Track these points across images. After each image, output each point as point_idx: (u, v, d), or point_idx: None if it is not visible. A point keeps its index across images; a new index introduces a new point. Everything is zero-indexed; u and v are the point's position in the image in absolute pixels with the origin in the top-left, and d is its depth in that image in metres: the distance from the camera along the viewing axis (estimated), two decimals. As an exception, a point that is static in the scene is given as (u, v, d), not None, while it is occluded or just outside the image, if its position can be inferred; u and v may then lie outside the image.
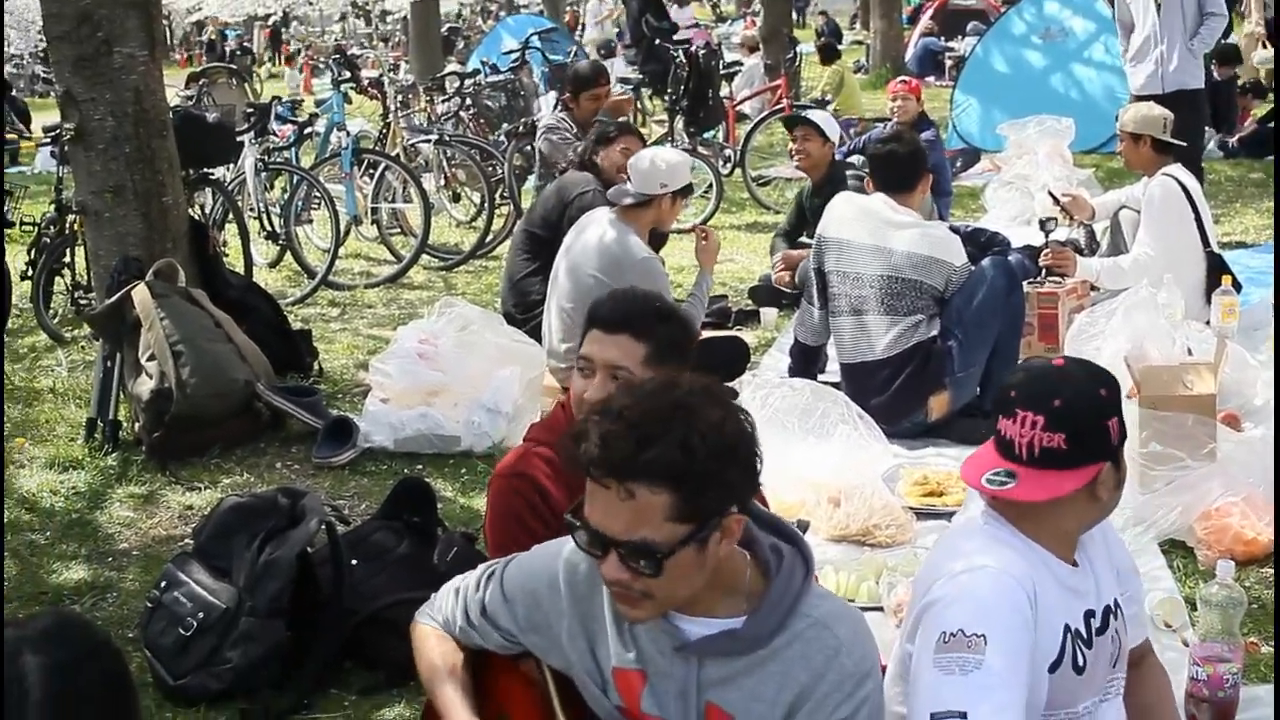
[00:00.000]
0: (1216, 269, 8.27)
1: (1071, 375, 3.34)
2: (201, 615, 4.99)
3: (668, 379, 2.98)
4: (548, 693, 3.28)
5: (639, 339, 3.88)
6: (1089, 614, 3.36)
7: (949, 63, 26.12)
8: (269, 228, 11.63)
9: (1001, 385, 3.44)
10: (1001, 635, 3.17)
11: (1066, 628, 3.30)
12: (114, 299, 7.49)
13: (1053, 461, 3.27)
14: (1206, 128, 13.90)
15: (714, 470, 2.83)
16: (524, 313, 8.36)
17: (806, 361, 7.84)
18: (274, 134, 12.67)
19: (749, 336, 9.02)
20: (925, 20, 29.30)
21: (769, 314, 9.71)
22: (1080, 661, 3.32)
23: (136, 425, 7.40)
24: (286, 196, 11.83)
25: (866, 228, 7.32)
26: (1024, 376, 3.40)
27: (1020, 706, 3.15)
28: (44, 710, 2.26)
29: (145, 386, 7.24)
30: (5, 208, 10.81)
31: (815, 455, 6.43)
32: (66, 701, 2.27)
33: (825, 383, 7.23)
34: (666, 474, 2.79)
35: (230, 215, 10.78)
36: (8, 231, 10.97)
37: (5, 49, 20.74)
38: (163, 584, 5.20)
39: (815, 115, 10.29)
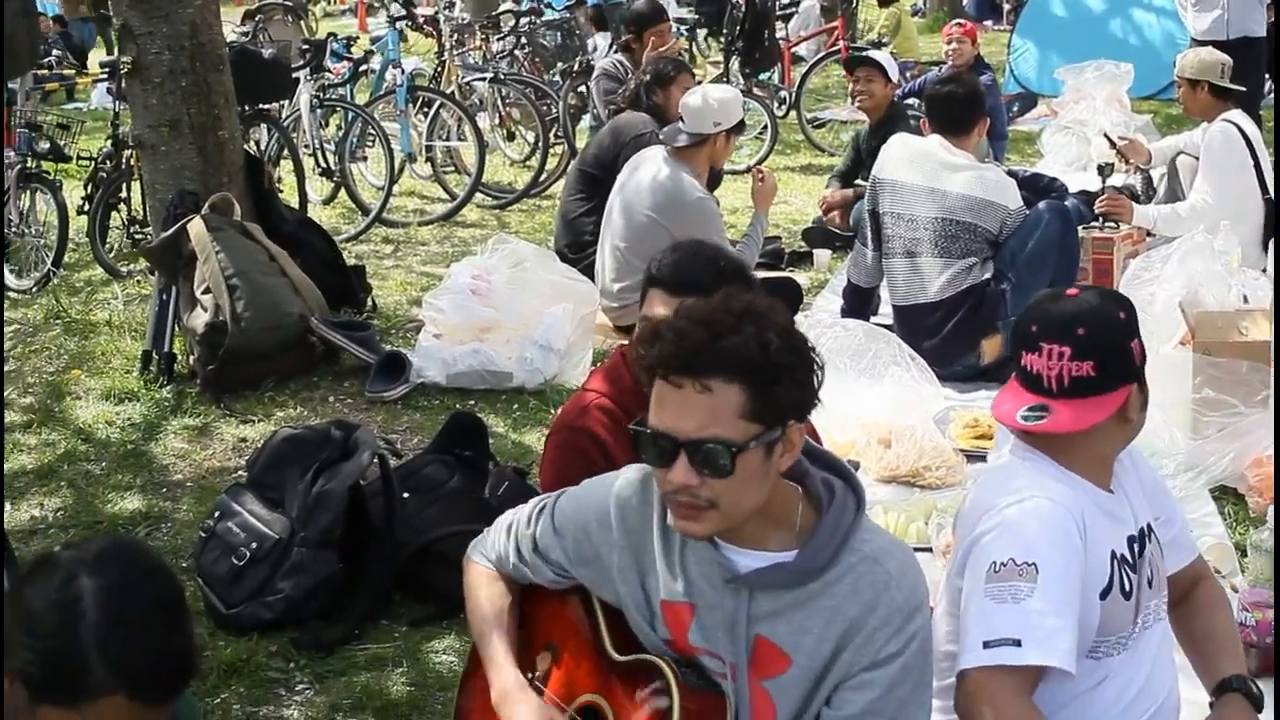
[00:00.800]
0: (1275, 216, 8.19)
1: (1090, 303, 3.33)
2: (254, 545, 5.04)
3: (732, 291, 3.00)
4: (597, 625, 3.29)
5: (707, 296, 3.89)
6: (1130, 539, 3.36)
7: (1007, 6, 25.85)
8: (324, 164, 11.64)
9: (1019, 320, 3.43)
10: (1053, 563, 3.17)
11: (1113, 554, 3.30)
12: (169, 232, 7.53)
13: (1084, 390, 3.26)
14: (1266, 76, 13.73)
15: (786, 368, 2.87)
16: (577, 252, 8.36)
17: (859, 303, 7.82)
18: (329, 71, 12.65)
19: (802, 278, 9.00)
20: (984, -37, 29.01)
21: (822, 256, 9.68)
22: (1128, 587, 3.31)
23: (191, 358, 7.44)
24: (341, 133, 11.83)
25: (922, 170, 7.29)
26: (1043, 310, 3.38)
27: (1073, 633, 3.16)
28: (100, 632, 2.28)
29: (200, 320, 7.29)
30: (63, 143, 10.80)
31: (867, 396, 6.43)
32: (122, 623, 2.30)
33: (878, 324, 7.21)
34: (742, 366, 2.82)
35: (285, 151, 10.80)
36: (64, 166, 11.01)
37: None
38: (216, 514, 5.25)
39: (877, 56, 10.21)
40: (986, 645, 3.14)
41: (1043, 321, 3.33)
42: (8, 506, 5.83)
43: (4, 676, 2.35)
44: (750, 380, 2.84)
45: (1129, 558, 3.33)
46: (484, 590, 3.47)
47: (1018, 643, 3.12)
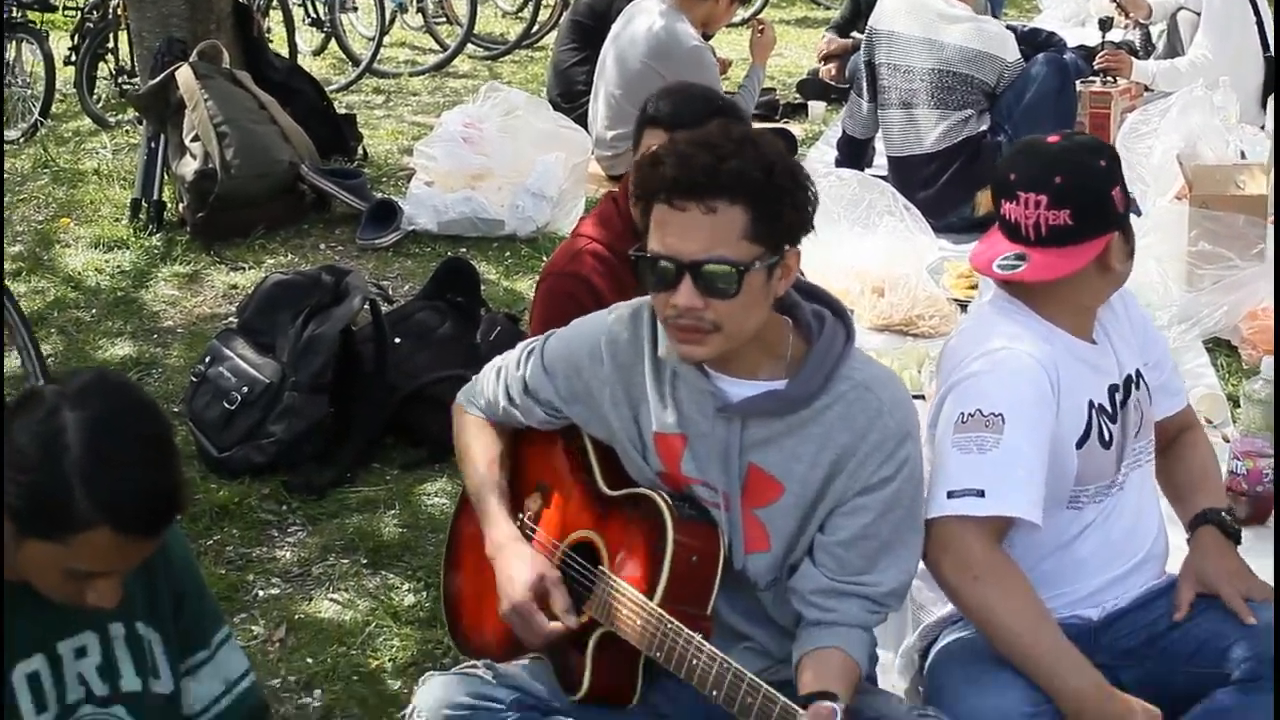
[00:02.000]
0: (1275, 74, 8.13)
1: (1069, 150, 3.29)
2: (245, 390, 5.04)
3: (727, 121, 3.02)
4: (588, 462, 3.29)
5: None
6: (1113, 388, 3.34)
7: None
8: (313, 14, 11.53)
9: (997, 167, 3.40)
10: (1020, 414, 3.16)
11: (1091, 404, 3.29)
12: (158, 80, 7.46)
13: (1061, 238, 3.22)
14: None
15: (788, 190, 2.89)
16: (569, 102, 8.29)
17: (854, 154, 7.78)
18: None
19: (796, 129, 8.94)
20: None
21: (817, 108, 9.63)
22: (1106, 436, 3.31)
23: (181, 206, 7.40)
24: (331, -17, 11.69)
25: (919, 21, 7.23)
26: (1022, 157, 3.34)
27: (1038, 485, 3.16)
28: (83, 465, 2.27)
29: (189, 167, 7.23)
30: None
31: (861, 246, 6.41)
32: (105, 456, 2.29)
33: (872, 176, 7.17)
34: (746, 188, 2.84)
35: (274, 1, 10.66)
36: (50, 17, 10.88)
37: None
38: (207, 359, 5.24)
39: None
40: (950, 495, 3.15)
41: (1021, 169, 3.29)
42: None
43: None
44: (754, 202, 2.85)
45: (1108, 407, 3.32)
46: (474, 440, 3.47)
47: (981, 493, 3.13)
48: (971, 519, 3.13)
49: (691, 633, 2.96)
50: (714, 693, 2.92)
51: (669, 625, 2.98)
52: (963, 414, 3.19)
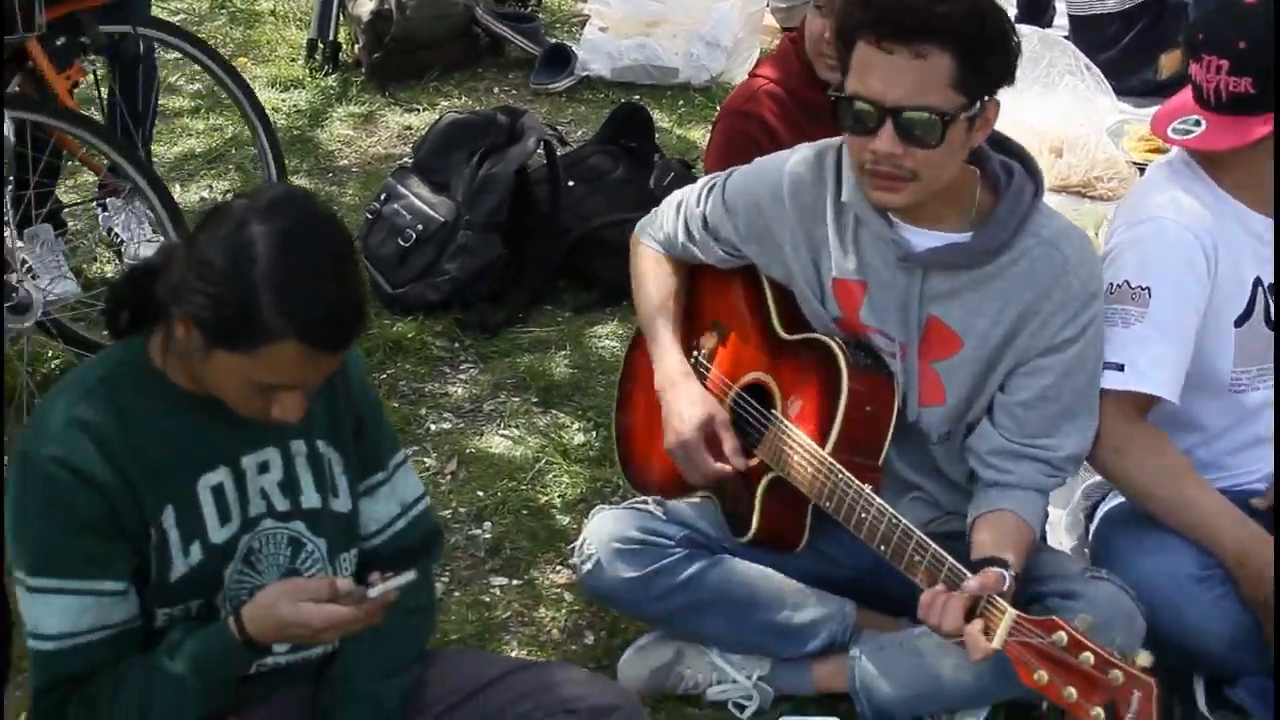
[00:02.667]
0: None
1: (1260, 16, 3.13)
2: (420, 227, 5.07)
3: None
4: (765, 304, 3.28)
5: None
6: None
7: None
8: None
9: (1189, 26, 3.28)
10: (1168, 289, 3.10)
11: (1257, 281, 3.19)
12: (336, -81, 7.45)
13: (1240, 107, 3.10)
14: None
15: (997, 40, 2.83)
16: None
17: (1034, 9, 7.57)
18: None
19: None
20: None
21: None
22: (1273, 315, 3.21)
23: (356, 46, 7.40)
24: None
25: None
26: (1213, 15, 3.22)
27: (1180, 362, 3.10)
28: (271, 275, 2.29)
29: (365, 8, 7.22)
30: None
31: (1040, 105, 6.27)
32: (292, 267, 2.31)
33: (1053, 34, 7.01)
34: (958, 35, 2.78)
35: None
36: None
37: None
38: (383, 196, 5.28)
39: None
40: None
41: (1209, 29, 3.18)
42: (177, 189, 5.90)
43: (177, 320, 2.38)
44: (963, 50, 2.79)
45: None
46: (651, 273, 3.46)
47: (1120, 368, 3.09)
48: (1110, 393, 3.09)
49: (861, 485, 2.96)
50: (882, 547, 2.93)
51: (839, 476, 2.99)
52: (1111, 284, 3.13)
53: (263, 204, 2.36)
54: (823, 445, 3.04)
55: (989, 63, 2.83)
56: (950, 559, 2.80)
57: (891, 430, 3.09)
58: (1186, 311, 3.12)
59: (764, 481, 3.18)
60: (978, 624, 2.68)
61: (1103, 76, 6.46)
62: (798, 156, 3.19)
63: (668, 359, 3.36)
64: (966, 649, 2.71)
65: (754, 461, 3.21)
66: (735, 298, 3.38)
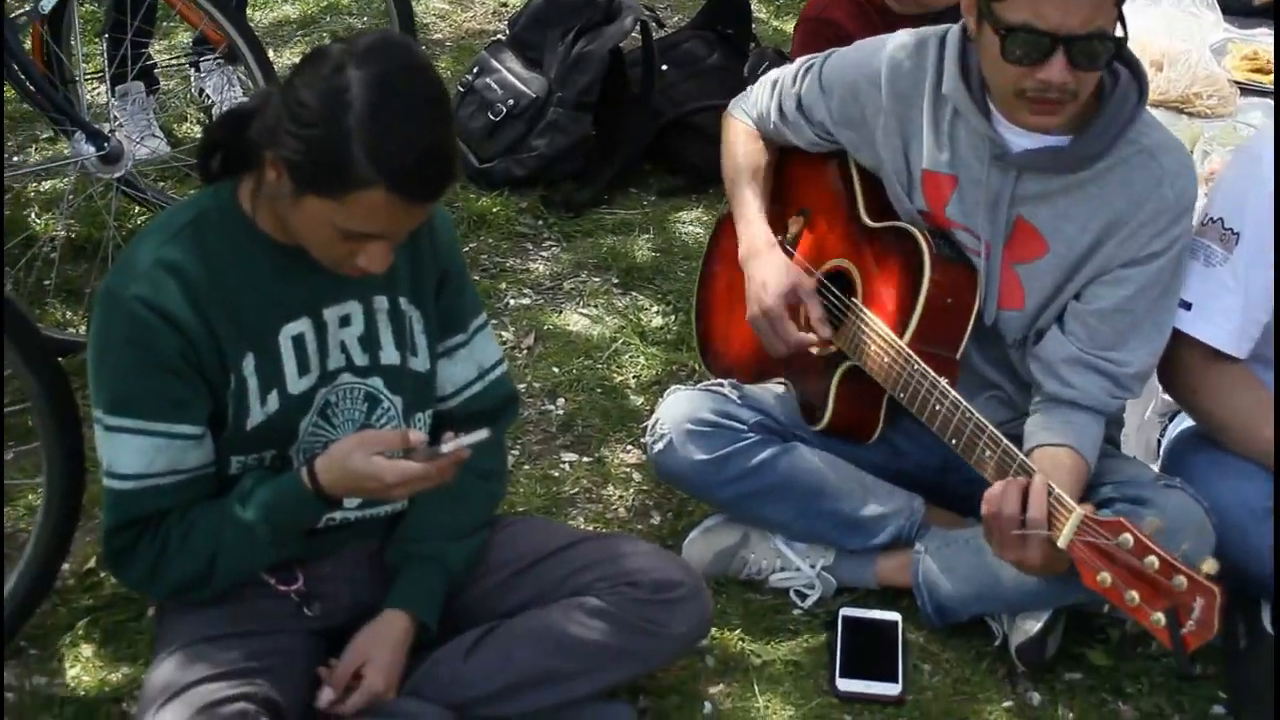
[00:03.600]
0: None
1: None
2: (511, 102, 5.06)
3: None
4: (852, 191, 3.26)
5: None
6: None
7: None
8: None
9: None
10: (1259, 242, 3.02)
11: None
12: None
13: None
14: None
15: None
16: None
17: (1144, -79, 7.45)
18: None
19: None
20: None
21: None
22: None
23: (457, -80, 7.38)
24: None
25: None
26: None
27: (1251, 317, 3.04)
28: (364, 121, 2.29)
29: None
30: None
31: (1143, 16, 6.16)
32: (386, 113, 2.30)
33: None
34: None
35: None
36: None
37: None
38: (475, 70, 5.27)
39: None
40: None
41: None
42: (271, 53, 5.89)
43: (269, 164, 2.39)
44: None
45: None
46: (742, 146, 3.44)
47: (1189, 306, 3.04)
48: (1183, 333, 3.05)
49: (937, 377, 2.95)
50: (954, 440, 2.92)
51: (915, 366, 2.97)
52: (1208, 216, 3.08)
53: (360, 49, 2.35)
54: (901, 335, 3.02)
55: None
56: (1021, 455, 2.79)
57: (971, 324, 3.06)
58: (1269, 268, 3.04)
59: (840, 370, 3.17)
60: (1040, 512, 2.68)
61: (1210, -9, 6.33)
62: (897, 43, 3.14)
63: (754, 229, 3.33)
64: (1026, 546, 2.71)
65: (833, 348, 3.20)
66: (823, 184, 3.35)
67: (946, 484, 3.30)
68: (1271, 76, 6.04)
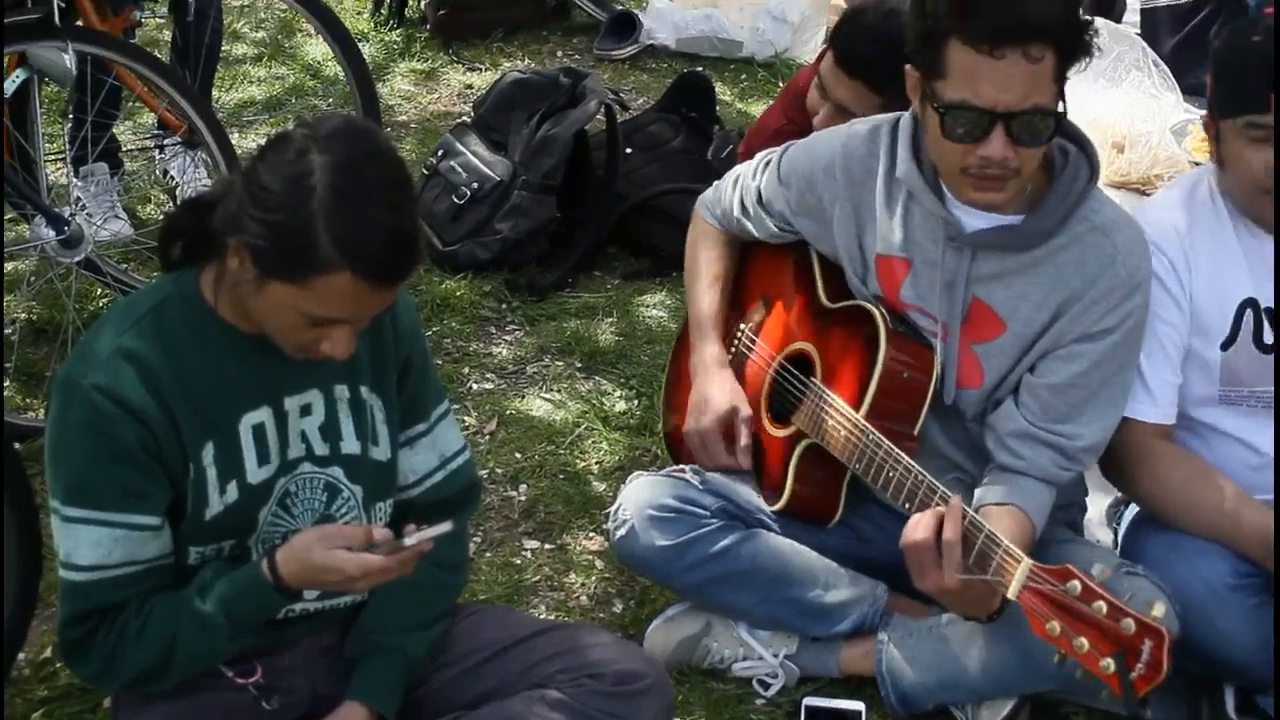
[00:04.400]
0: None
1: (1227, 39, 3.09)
2: (475, 185, 5.07)
3: None
4: (812, 275, 3.29)
5: None
6: None
7: None
8: None
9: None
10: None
11: (1248, 302, 3.10)
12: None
13: None
14: None
15: (1085, 25, 2.78)
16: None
17: (1105, 2, 7.51)
18: None
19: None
20: None
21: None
22: (1266, 340, 3.11)
23: (422, 3, 7.42)
24: None
25: None
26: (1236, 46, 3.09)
27: (1158, 383, 3.09)
28: (328, 204, 2.29)
29: (435, -36, 7.26)
30: None
31: (1105, 98, 6.22)
32: (350, 196, 2.30)
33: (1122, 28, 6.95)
34: (1059, 27, 2.72)
35: None
36: None
37: None
38: (440, 152, 5.28)
39: None
40: None
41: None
42: (235, 135, 5.92)
43: (232, 252, 2.38)
44: (1065, 42, 2.74)
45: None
46: (704, 251, 3.50)
47: None
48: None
49: (893, 445, 2.97)
50: (906, 505, 2.93)
51: (871, 436, 3.00)
52: None
53: (323, 134, 2.35)
54: (858, 409, 3.05)
55: (1078, 52, 2.78)
56: (980, 519, 2.79)
57: (929, 399, 3.08)
58: (1167, 326, 3.10)
59: (800, 448, 3.19)
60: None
61: (1169, 73, 6.40)
62: (850, 130, 3.19)
63: (705, 345, 3.41)
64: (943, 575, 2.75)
65: (793, 429, 3.21)
66: (783, 271, 3.39)
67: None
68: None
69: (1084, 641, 2.55)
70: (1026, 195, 2.97)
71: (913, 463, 2.93)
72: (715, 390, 3.31)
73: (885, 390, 3.05)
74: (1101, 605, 2.52)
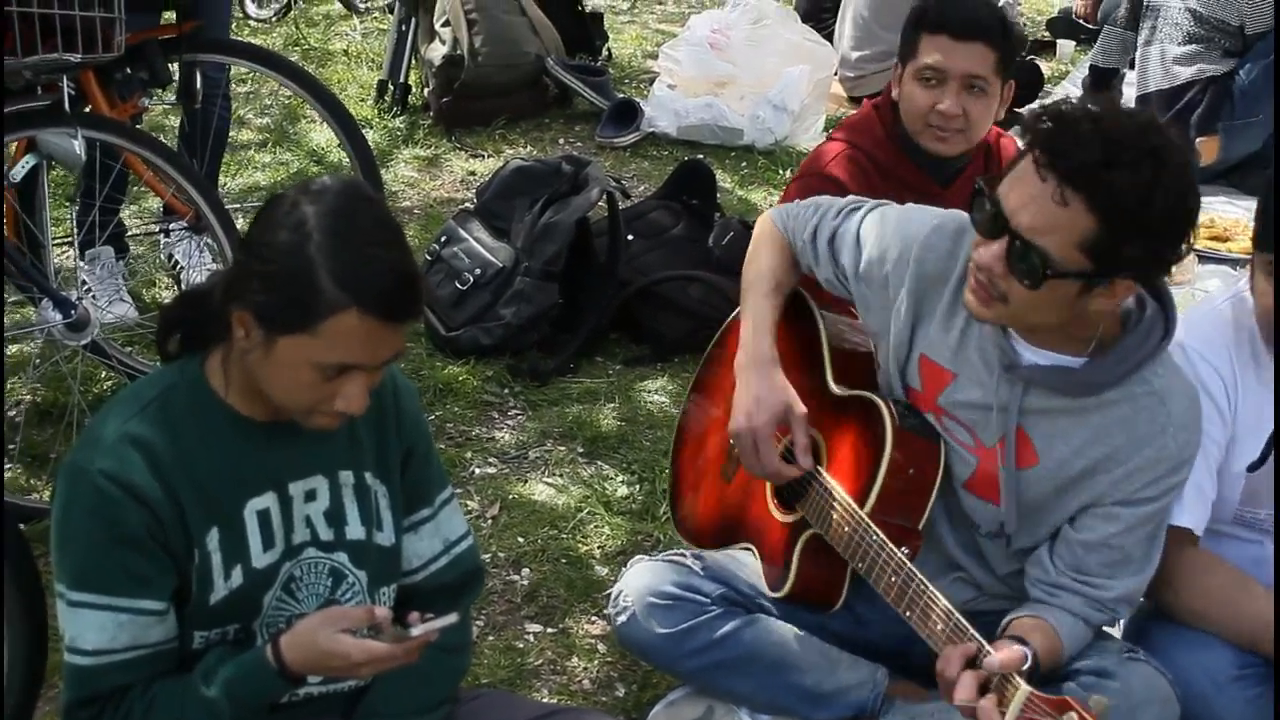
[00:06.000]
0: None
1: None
2: (478, 271, 5.11)
3: (1149, 117, 2.74)
4: (821, 356, 3.27)
5: (991, 46, 3.80)
6: None
7: None
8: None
9: None
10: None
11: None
12: (414, -36, 7.53)
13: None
14: None
15: (1152, 229, 2.66)
16: (814, 19, 8.19)
17: (1099, 85, 7.56)
18: None
19: (1043, 67, 8.75)
20: None
21: (1065, 46, 9.40)
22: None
23: (426, 90, 7.49)
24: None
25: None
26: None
27: (1197, 491, 3.06)
28: (325, 246, 2.33)
29: (438, 52, 7.32)
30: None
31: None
32: (346, 236, 2.35)
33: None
34: (1110, 207, 2.63)
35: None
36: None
37: None
38: (443, 239, 5.33)
39: None
40: None
41: None
42: (240, 220, 5.95)
43: (236, 322, 2.41)
44: (1111, 224, 2.63)
45: None
46: (771, 254, 3.36)
47: None
48: None
49: (895, 549, 2.93)
50: (907, 613, 2.90)
51: (873, 537, 2.97)
52: None
53: (313, 189, 2.41)
54: (862, 505, 3.02)
55: (1129, 247, 2.67)
56: (972, 629, 2.76)
57: (934, 497, 3.06)
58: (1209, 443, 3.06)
59: (804, 536, 3.17)
60: (991, 698, 2.64)
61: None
62: (941, 222, 3.10)
63: (760, 340, 3.25)
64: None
65: (797, 516, 3.20)
66: (792, 346, 3.32)
67: (911, 655, 3.27)
68: (1229, 244, 6.15)
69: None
70: (1096, 340, 2.91)
71: (915, 570, 2.89)
72: (768, 386, 3.17)
73: (889, 488, 3.02)
74: None
